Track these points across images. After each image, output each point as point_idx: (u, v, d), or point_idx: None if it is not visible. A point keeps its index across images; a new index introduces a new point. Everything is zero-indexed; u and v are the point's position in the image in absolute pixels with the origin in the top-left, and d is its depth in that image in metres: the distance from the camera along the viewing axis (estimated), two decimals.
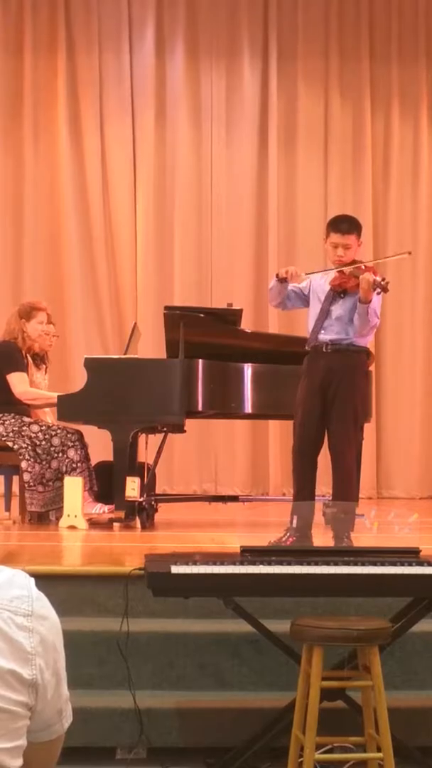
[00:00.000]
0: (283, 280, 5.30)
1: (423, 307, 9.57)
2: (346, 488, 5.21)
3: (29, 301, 6.78)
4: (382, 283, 5.03)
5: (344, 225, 5.30)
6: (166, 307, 6.57)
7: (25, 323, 6.48)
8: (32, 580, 1.61)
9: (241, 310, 6.65)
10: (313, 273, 5.44)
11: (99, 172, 9.35)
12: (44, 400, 6.53)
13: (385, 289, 5.06)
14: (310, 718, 3.21)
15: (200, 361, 6.15)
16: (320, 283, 5.34)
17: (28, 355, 6.62)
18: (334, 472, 5.26)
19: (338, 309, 5.23)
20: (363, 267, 5.20)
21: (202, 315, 6.52)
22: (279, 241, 9.40)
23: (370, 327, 5.21)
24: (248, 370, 6.31)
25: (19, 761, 1.55)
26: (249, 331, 7.03)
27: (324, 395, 5.20)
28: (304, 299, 5.42)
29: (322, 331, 5.23)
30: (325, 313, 5.24)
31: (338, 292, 5.23)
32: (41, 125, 9.32)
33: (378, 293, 5.08)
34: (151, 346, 8.00)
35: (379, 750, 3.31)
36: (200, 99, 9.49)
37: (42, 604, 1.60)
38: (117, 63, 9.43)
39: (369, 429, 7.77)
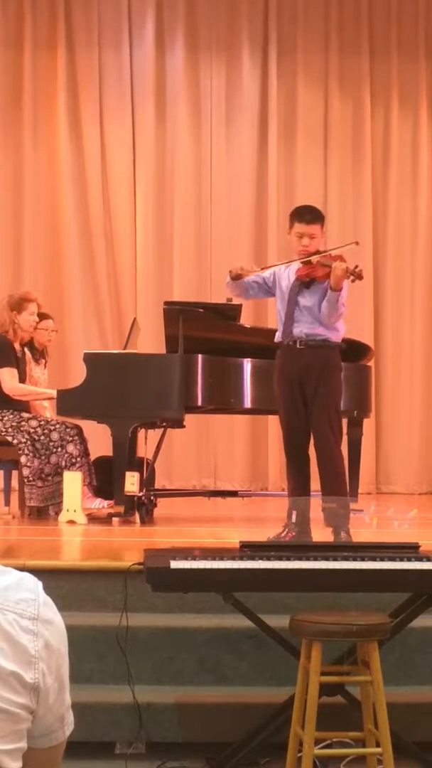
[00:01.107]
0: (237, 277, 5.28)
1: (422, 303, 9.57)
2: (337, 486, 5.15)
3: (19, 293, 6.70)
4: (356, 270, 4.99)
5: (308, 215, 5.25)
6: (166, 302, 6.58)
7: (17, 315, 6.43)
8: (40, 584, 1.61)
9: (240, 306, 6.64)
10: (275, 265, 5.40)
11: (99, 166, 9.35)
12: (34, 396, 6.51)
13: (359, 277, 5.00)
14: (309, 713, 3.21)
15: (199, 356, 6.15)
16: (285, 275, 5.29)
17: (25, 348, 6.61)
18: (321, 472, 5.19)
19: (305, 300, 5.17)
20: (331, 255, 5.15)
21: (201, 310, 6.52)
22: (278, 235, 9.38)
23: (337, 315, 5.14)
24: (247, 365, 6.31)
25: (19, 763, 1.55)
26: (248, 326, 7.02)
27: (303, 392, 5.15)
28: (267, 290, 5.38)
29: (295, 324, 5.17)
30: (293, 305, 5.18)
31: (305, 282, 5.18)
32: (41, 120, 9.32)
33: (352, 280, 5.05)
34: (151, 341, 8.00)
35: (377, 745, 3.31)
36: (200, 94, 9.48)
37: (49, 608, 1.59)
38: (117, 58, 9.42)
39: (368, 424, 7.77)
